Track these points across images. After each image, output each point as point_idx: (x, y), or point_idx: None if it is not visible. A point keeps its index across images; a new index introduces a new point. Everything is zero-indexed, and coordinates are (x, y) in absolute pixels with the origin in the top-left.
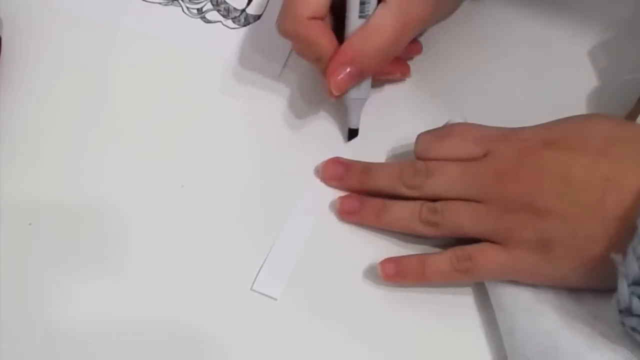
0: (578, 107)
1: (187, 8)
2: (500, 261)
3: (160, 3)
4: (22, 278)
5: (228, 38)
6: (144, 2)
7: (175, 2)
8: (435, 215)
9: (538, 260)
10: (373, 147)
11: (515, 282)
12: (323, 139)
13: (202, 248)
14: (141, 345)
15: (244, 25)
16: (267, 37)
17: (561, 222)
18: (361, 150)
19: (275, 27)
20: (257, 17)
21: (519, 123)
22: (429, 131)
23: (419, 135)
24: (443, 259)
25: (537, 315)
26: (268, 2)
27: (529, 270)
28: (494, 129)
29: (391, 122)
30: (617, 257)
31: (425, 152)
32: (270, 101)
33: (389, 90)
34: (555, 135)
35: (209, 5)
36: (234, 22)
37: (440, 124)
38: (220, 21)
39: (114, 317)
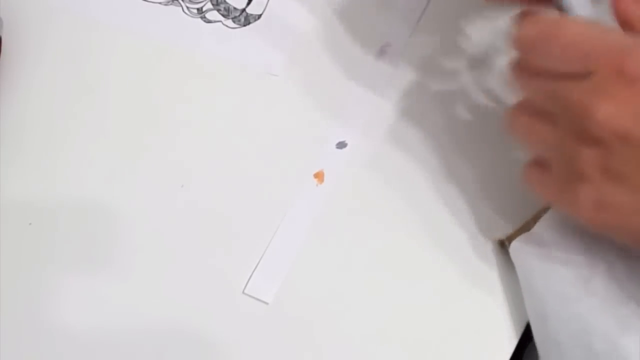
0: None
1: (187, 8)
2: (555, 194)
3: (160, 3)
4: (22, 278)
5: (228, 38)
6: (144, 2)
7: (175, 2)
8: (522, 126)
9: (593, 212)
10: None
11: (547, 266)
12: (322, 140)
13: (199, 249)
14: (137, 345)
15: (244, 25)
16: (267, 37)
17: (632, 193)
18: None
19: (275, 26)
20: (257, 17)
21: None
22: (529, 23)
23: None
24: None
25: (570, 299)
26: (268, 2)
27: (581, 213)
28: (609, 40)
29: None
30: None
31: (524, 45)
32: (270, 101)
33: None
34: None
35: (209, 5)
36: (234, 21)
37: None
38: (220, 21)
39: (113, 318)
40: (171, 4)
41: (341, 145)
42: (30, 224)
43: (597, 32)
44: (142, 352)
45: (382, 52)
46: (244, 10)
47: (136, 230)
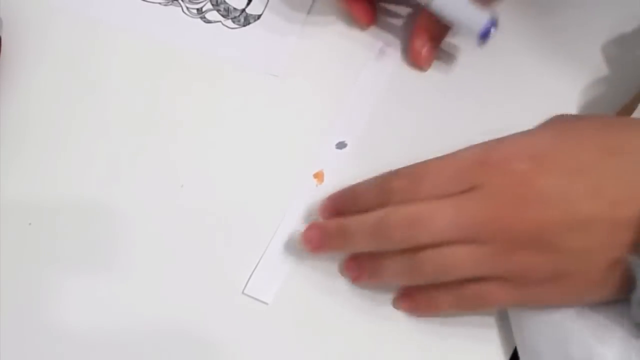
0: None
1: (187, 8)
2: (512, 299)
3: (160, 3)
4: (22, 278)
5: (228, 38)
6: (143, 2)
7: (175, 2)
8: (429, 266)
9: (553, 292)
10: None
11: None
12: (322, 140)
13: (198, 249)
14: (140, 346)
15: (244, 25)
16: (267, 37)
17: (575, 257)
18: (362, 152)
19: (275, 26)
20: (257, 17)
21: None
22: (398, 176)
23: (390, 184)
24: (447, 297)
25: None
26: (268, 2)
27: (545, 301)
28: (467, 153)
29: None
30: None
31: (405, 202)
32: (270, 101)
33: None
34: (543, 152)
35: (208, 5)
36: (234, 22)
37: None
38: (220, 21)
39: (113, 318)
40: (171, 4)
41: (341, 145)
42: (30, 224)
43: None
44: (142, 352)
45: (382, 52)
46: (244, 10)
47: (136, 230)
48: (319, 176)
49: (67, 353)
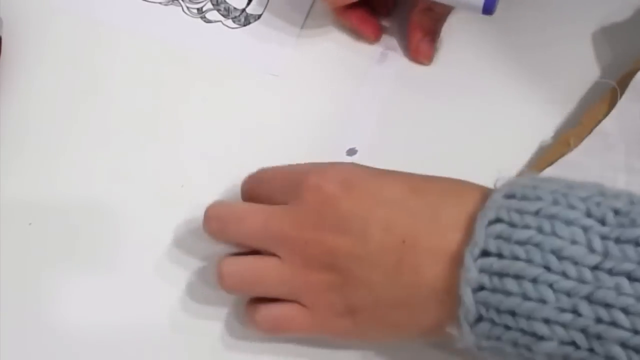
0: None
1: (187, 8)
2: (309, 327)
3: (160, 3)
4: (22, 278)
5: (228, 38)
6: (144, 2)
7: (175, 2)
8: (247, 274)
9: (346, 326)
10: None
11: None
12: (322, 140)
13: (201, 248)
14: (140, 346)
15: (244, 25)
16: (267, 37)
17: (364, 288)
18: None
19: (275, 26)
20: (257, 17)
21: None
22: (249, 177)
23: (243, 184)
24: (251, 312)
25: None
26: (268, 2)
27: (341, 334)
28: (299, 167)
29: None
30: (451, 329)
31: (245, 199)
32: (270, 101)
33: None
34: (355, 181)
35: (209, 5)
36: (234, 21)
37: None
38: (220, 21)
39: (113, 317)
40: (171, 4)
41: (351, 152)
42: (30, 224)
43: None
44: (143, 352)
45: (383, 56)
46: (244, 10)
47: (136, 230)
48: None
49: (67, 353)
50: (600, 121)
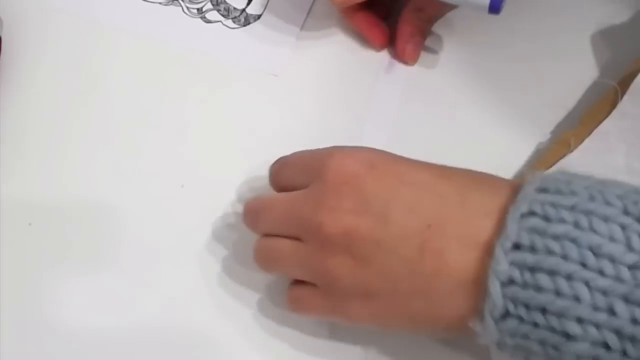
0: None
1: (187, 8)
2: (322, 309)
3: (160, 3)
4: (22, 278)
5: (228, 38)
6: (144, 2)
7: (175, 2)
8: (268, 254)
9: (361, 310)
10: None
11: None
12: (322, 139)
13: (201, 248)
14: (140, 346)
15: (244, 25)
16: (267, 37)
17: (380, 274)
18: None
19: (275, 26)
20: (257, 17)
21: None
22: (275, 162)
23: (270, 168)
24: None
25: None
26: (268, 2)
27: (354, 318)
28: (323, 149)
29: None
30: (474, 324)
31: (272, 184)
32: (270, 101)
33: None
34: (380, 162)
35: (209, 5)
36: (234, 22)
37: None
38: (220, 21)
39: (113, 317)
40: (171, 4)
41: None
42: (30, 224)
43: (307, 154)
44: (144, 352)
45: (391, 65)
46: (244, 10)
47: (136, 230)
48: None
49: (67, 353)
50: (601, 121)
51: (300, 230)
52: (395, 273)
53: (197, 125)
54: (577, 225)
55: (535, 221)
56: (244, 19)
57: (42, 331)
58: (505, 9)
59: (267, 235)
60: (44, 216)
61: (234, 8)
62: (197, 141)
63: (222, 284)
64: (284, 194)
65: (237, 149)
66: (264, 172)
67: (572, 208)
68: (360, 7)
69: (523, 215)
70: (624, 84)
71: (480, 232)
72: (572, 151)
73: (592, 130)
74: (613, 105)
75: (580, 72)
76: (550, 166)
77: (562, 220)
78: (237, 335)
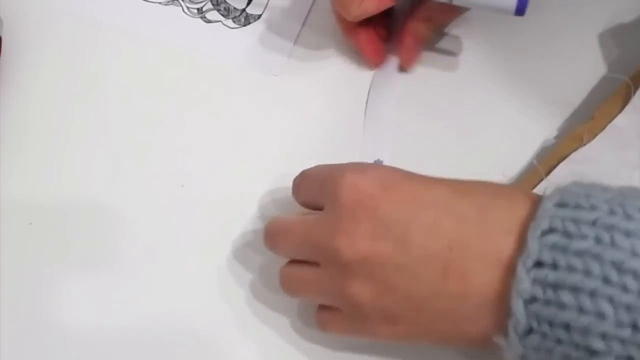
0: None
1: (187, 8)
2: (347, 330)
3: (160, 3)
4: (22, 278)
5: (228, 38)
6: (144, 2)
7: (175, 2)
8: (292, 282)
9: (386, 331)
10: None
11: None
12: (323, 139)
13: (201, 248)
14: (141, 346)
15: (244, 25)
16: (267, 37)
17: (403, 299)
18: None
19: (275, 26)
20: (257, 17)
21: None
22: (300, 173)
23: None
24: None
25: None
26: (268, 2)
27: (382, 338)
28: (338, 166)
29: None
30: (499, 339)
31: (295, 197)
32: (269, 101)
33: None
34: (395, 183)
35: (209, 5)
36: (234, 21)
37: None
38: (220, 21)
39: (113, 317)
40: (171, 4)
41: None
42: (30, 224)
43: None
44: (144, 352)
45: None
46: (244, 10)
47: (136, 230)
48: None
49: (67, 353)
50: (614, 116)
51: (319, 256)
52: (419, 296)
53: (197, 125)
54: (598, 241)
55: (556, 238)
56: (244, 19)
57: (42, 331)
58: None
59: (290, 260)
60: (44, 216)
61: (234, 8)
62: (196, 141)
63: (222, 284)
64: (301, 217)
65: (236, 148)
66: (263, 171)
67: (593, 223)
68: (361, 24)
69: (544, 233)
70: (636, 79)
71: (502, 250)
72: (584, 145)
73: (605, 125)
74: (626, 100)
75: (589, 69)
76: (563, 159)
77: (583, 237)
78: (237, 335)
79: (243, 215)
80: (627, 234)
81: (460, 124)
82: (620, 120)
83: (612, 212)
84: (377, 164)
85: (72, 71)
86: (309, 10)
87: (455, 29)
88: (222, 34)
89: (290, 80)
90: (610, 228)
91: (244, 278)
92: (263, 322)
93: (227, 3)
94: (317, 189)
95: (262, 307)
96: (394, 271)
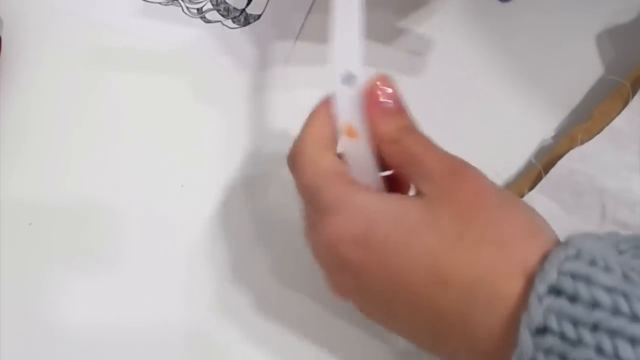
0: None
1: (187, 8)
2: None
3: (160, 3)
4: (22, 278)
5: (228, 38)
6: (144, 2)
7: (175, 2)
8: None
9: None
10: None
11: None
12: None
13: (201, 248)
14: (141, 346)
15: (244, 25)
16: (267, 37)
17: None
18: None
19: (275, 26)
20: (257, 17)
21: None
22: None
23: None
24: None
25: None
26: (268, 2)
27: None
28: (319, 203)
29: None
30: None
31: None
32: (270, 101)
33: None
34: (380, 227)
35: (208, 5)
36: (234, 22)
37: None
38: (220, 21)
39: (113, 317)
40: (171, 4)
41: None
42: (30, 224)
43: None
44: (143, 352)
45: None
46: (243, 10)
47: (136, 230)
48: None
49: (68, 353)
50: (612, 117)
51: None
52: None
53: (197, 125)
54: (600, 351)
55: (552, 342)
56: (244, 19)
57: (42, 331)
58: (509, 6)
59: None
60: (44, 216)
61: (234, 8)
62: (196, 140)
63: (222, 284)
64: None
65: (237, 148)
66: (265, 171)
67: (594, 327)
68: None
69: (538, 330)
70: (636, 82)
71: (488, 349)
72: (581, 144)
73: (603, 126)
74: (624, 102)
75: (587, 70)
76: (560, 158)
77: (583, 344)
78: (237, 335)
79: (244, 215)
80: (633, 341)
81: (458, 124)
82: (619, 122)
83: (615, 311)
84: (364, 208)
85: (71, 71)
86: (309, 11)
87: (446, 29)
88: (221, 34)
89: (289, 80)
90: (613, 333)
91: (245, 278)
92: (264, 323)
93: (226, 3)
94: (304, 203)
95: (263, 307)
96: (384, 318)
